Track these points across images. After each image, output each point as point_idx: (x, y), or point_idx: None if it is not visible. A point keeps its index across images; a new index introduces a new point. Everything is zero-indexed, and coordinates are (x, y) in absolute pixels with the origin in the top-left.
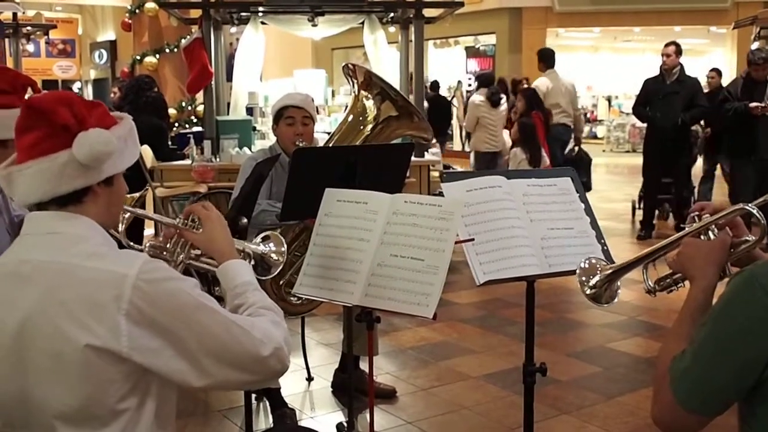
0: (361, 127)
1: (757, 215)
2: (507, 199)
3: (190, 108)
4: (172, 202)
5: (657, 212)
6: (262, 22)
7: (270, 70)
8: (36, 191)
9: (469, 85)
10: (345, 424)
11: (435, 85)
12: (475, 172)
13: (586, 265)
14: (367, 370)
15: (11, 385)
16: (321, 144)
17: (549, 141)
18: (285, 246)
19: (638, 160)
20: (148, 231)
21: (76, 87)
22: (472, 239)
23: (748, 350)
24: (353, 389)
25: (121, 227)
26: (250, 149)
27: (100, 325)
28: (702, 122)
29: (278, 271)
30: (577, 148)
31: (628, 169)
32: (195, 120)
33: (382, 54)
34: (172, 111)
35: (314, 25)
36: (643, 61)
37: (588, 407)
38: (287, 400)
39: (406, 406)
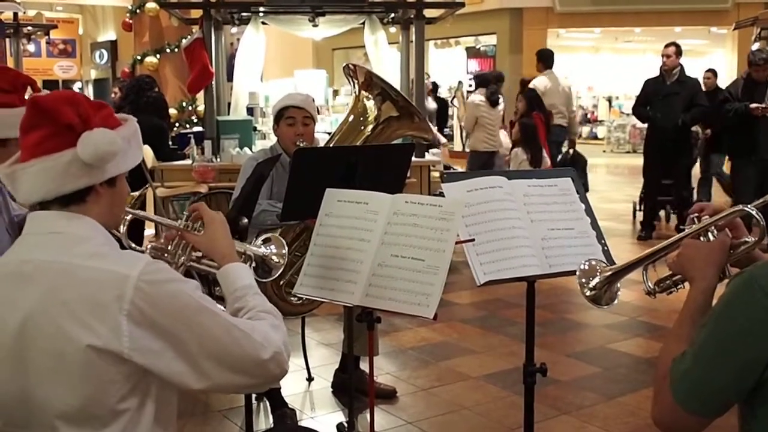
0: (362, 128)
1: (757, 216)
2: (508, 200)
3: (190, 108)
4: (173, 202)
5: (663, 213)
6: (263, 23)
7: (271, 70)
8: (39, 190)
9: (470, 85)
10: (345, 425)
11: (434, 87)
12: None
13: (586, 267)
14: (367, 371)
15: (12, 385)
16: (322, 144)
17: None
18: (286, 248)
19: (639, 160)
20: (149, 231)
21: (76, 87)
22: (473, 239)
23: (747, 351)
24: (353, 389)
25: (122, 228)
26: (250, 149)
27: (102, 326)
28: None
29: (278, 273)
30: (572, 150)
31: (629, 169)
32: (195, 120)
33: (383, 54)
34: (172, 111)
35: (315, 26)
36: (643, 62)
37: (588, 408)
38: (287, 400)
39: (407, 407)
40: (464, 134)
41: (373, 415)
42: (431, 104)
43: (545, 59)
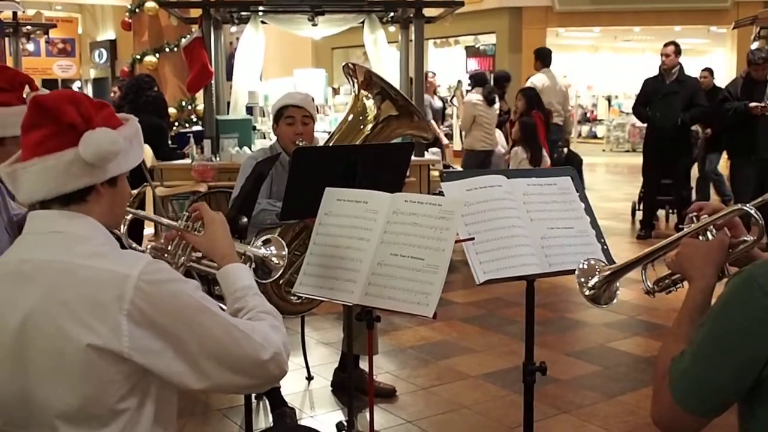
0: (362, 127)
1: (755, 216)
2: (507, 199)
3: (190, 107)
4: (172, 201)
5: (662, 213)
6: (263, 22)
7: (270, 69)
8: (40, 189)
9: (469, 84)
10: (345, 423)
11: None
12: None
13: (585, 266)
14: (366, 369)
15: (12, 385)
16: (321, 143)
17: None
18: (286, 250)
19: (638, 159)
20: (148, 231)
21: (75, 86)
22: (472, 238)
23: (746, 350)
24: (353, 388)
25: (123, 228)
26: (250, 148)
27: (102, 325)
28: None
29: (278, 274)
30: (566, 150)
31: (628, 168)
32: (195, 119)
33: (382, 53)
34: (172, 110)
35: (314, 25)
36: (643, 61)
37: (588, 406)
38: (287, 399)
39: (406, 405)
40: (464, 133)
41: (373, 414)
42: (437, 103)
43: (543, 58)
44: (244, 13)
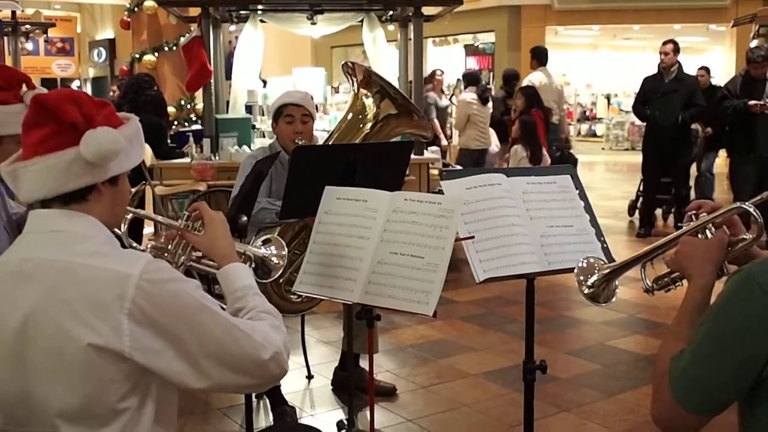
0: (361, 125)
1: (754, 214)
2: (507, 197)
3: (189, 106)
4: (172, 200)
5: (659, 212)
6: (262, 20)
7: (269, 68)
8: (41, 188)
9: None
10: (345, 422)
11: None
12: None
13: (584, 265)
14: (367, 368)
15: (13, 384)
16: (320, 142)
17: None
18: (286, 249)
19: (637, 158)
20: (148, 230)
21: (74, 85)
22: (472, 237)
23: (746, 349)
24: (353, 387)
25: (123, 227)
26: (249, 147)
27: (103, 325)
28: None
29: (278, 274)
30: (559, 154)
31: (627, 167)
32: (194, 118)
33: (382, 52)
34: (171, 109)
35: (313, 24)
36: (642, 59)
37: (588, 405)
38: (287, 398)
39: (406, 404)
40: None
41: (373, 412)
42: (444, 102)
43: (539, 56)
44: (243, 12)
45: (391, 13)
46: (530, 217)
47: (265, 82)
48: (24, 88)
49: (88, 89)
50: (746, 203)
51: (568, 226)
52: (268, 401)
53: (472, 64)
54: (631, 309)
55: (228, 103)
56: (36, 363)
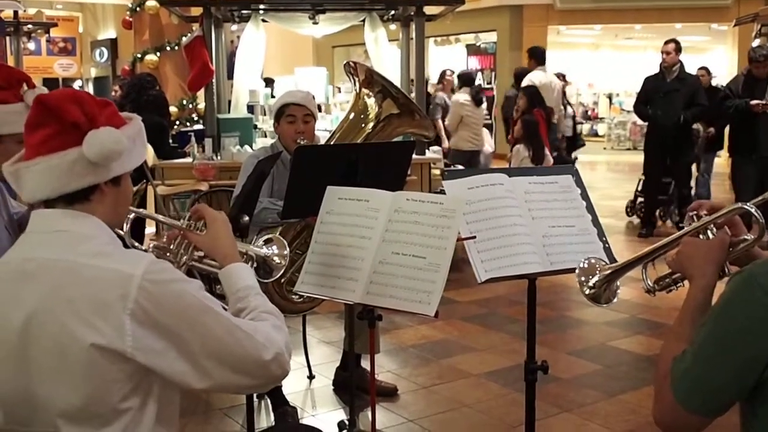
0: (363, 125)
1: (756, 214)
2: (508, 197)
3: (191, 106)
4: (174, 200)
5: (659, 211)
6: (263, 20)
7: (271, 67)
8: (44, 188)
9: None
10: (346, 422)
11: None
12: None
13: (585, 265)
14: (368, 368)
15: (15, 383)
16: (322, 142)
17: None
18: (287, 249)
19: (639, 157)
20: (149, 230)
21: (76, 85)
22: (474, 237)
23: (747, 349)
24: (355, 387)
25: (125, 227)
26: (251, 147)
27: (106, 325)
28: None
29: (280, 274)
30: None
31: (629, 166)
32: (196, 118)
33: (383, 52)
34: (173, 109)
35: (315, 23)
36: (644, 59)
37: (589, 405)
38: (289, 398)
39: (408, 404)
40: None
41: (375, 412)
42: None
43: (537, 56)
44: (245, 12)
45: (392, 12)
46: (532, 217)
47: (272, 81)
48: (24, 87)
49: (90, 89)
50: (748, 204)
51: (569, 226)
52: (269, 401)
53: (474, 63)
54: (632, 309)
55: (230, 102)
56: (38, 362)
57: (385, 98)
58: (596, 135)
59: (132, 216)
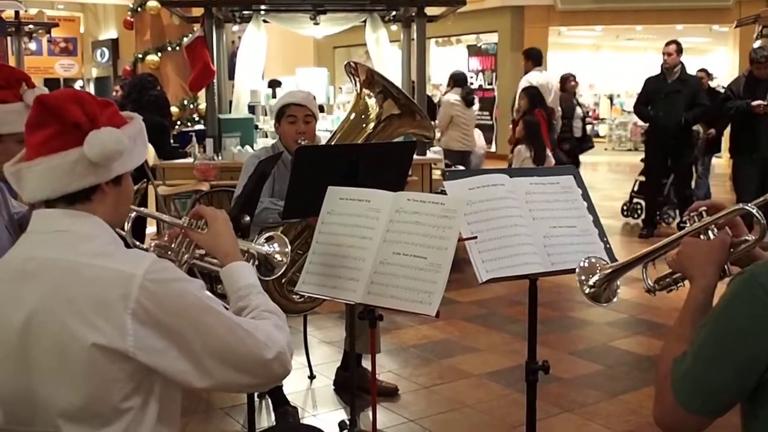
0: (364, 126)
1: (757, 215)
2: (509, 198)
3: (192, 106)
4: (174, 200)
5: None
6: (265, 21)
7: (272, 68)
8: (45, 188)
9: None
10: (347, 422)
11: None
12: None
13: (586, 264)
14: (369, 368)
15: (15, 383)
16: (323, 142)
17: None
18: (289, 247)
19: (640, 158)
20: (150, 229)
21: (77, 85)
22: (475, 237)
23: (747, 350)
24: (355, 387)
25: (126, 226)
26: (252, 147)
27: (107, 324)
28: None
29: (281, 271)
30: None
31: (630, 167)
32: (197, 118)
33: (384, 52)
34: (174, 109)
35: (316, 24)
36: (645, 60)
37: (590, 405)
38: (289, 398)
39: (409, 404)
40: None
41: (375, 412)
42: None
43: (534, 57)
44: (246, 12)
45: (394, 13)
46: (533, 217)
47: (279, 83)
48: (24, 86)
49: (91, 89)
50: (749, 204)
51: (571, 227)
52: (270, 401)
53: (475, 64)
54: (633, 310)
55: (231, 103)
56: (39, 362)
57: (386, 99)
58: (597, 136)
59: (133, 215)
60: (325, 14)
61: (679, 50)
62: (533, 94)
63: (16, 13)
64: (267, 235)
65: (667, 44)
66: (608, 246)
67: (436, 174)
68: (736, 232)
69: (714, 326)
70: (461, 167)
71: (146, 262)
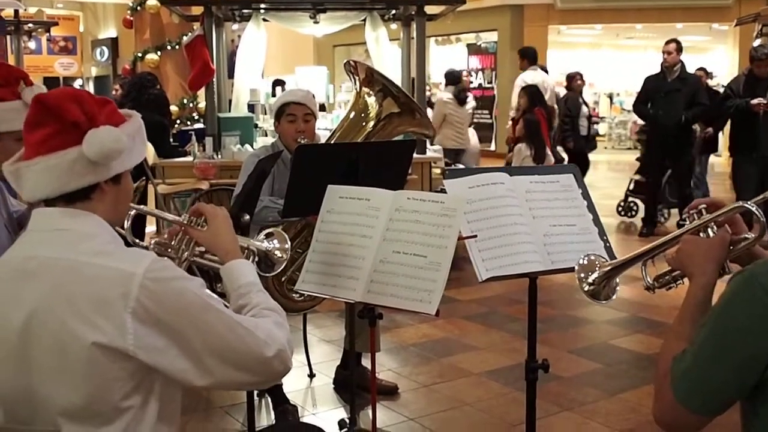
0: (363, 124)
1: (757, 213)
2: (509, 196)
3: (191, 105)
4: (174, 199)
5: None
6: (264, 19)
7: (272, 67)
8: (44, 188)
9: (470, 82)
10: (347, 421)
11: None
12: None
13: (585, 262)
14: (369, 367)
15: (16, 382)
16: (323, 141)
17: None
18: (289, 243)
19: (636, 157)
20: (150, 228)
21: (77, 84)
22: (475, 236)
23: (747, 349)
24: (355, 386)
25: (126, 224)
26: (251, 146)
27: (107, 323)
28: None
29: (281, 268)
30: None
31: (629, 166)
32: (197, 117)
33: (384, 51)
34: (173, 108)
35: (316, 22)
36: (644, 58)
37: (590, 404)
38: (289, 396)
39: (408, 403)
40: None
41: (375, 411)
42: (471, 102)
43: (529, 56)
44: (245, 11)
45: (393, 12)
46: (533, 216)
47: (283, 83)
48: (22, 84)
49: (90, 88)
50: (748, 202)
51: (570, 225)
52: (269, 400)
53: (475, 63)
54: (632, 308)
55: (230, 101)
56: (39, 361)
57: (386, 97)
58: (597, 134)
59: (133, 213)
60: (325, 13)
61: (679, 49)
62: (533, 92)
63: (16, 11)
64: (267, 231)
65: (667, 43)
66: (608, 244)
67: (436, 172)
68: (736, 230)
69: (714, 325)
70: (461, 166)
71: (146, 261)
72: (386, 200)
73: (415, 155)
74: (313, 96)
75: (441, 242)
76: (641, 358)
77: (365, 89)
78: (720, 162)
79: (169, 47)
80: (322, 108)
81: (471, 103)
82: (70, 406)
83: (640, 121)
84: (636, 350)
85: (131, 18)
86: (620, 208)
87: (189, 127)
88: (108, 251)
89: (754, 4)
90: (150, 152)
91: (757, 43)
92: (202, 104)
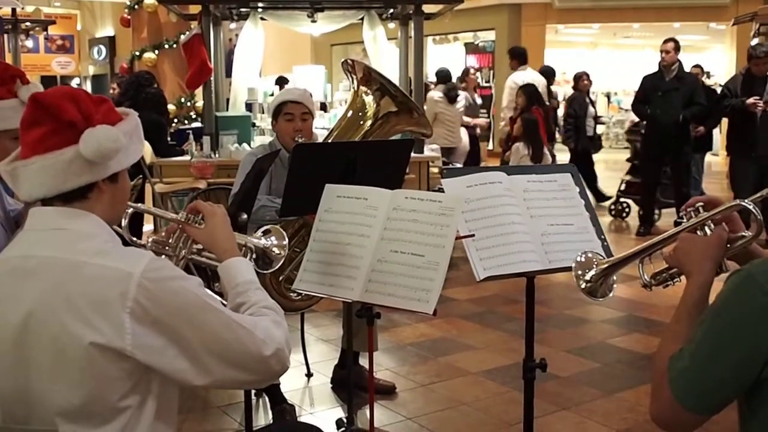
0: (361, 123)
1: (754, 211)
2: (507, 195)
3: (189, 104)
4: (172, 198)
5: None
6: (262, 18)
7: (269, 66)
8: (41, 187)
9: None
10: (344, 420)
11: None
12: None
13: (582, 259)
14: (366, 366)
15: (13, 381)
16: (320, 140)
17: None
18: (286, 239)
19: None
20: (147, 227)
21: (74, 83)
22: (473, 235)
23: (744, 348)
24: (353, 385)
25: (123, 222)
26: (249, 145)
27: (105, 323)
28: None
29: (279, 264)
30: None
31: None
32: (194, 116)
33: (382, 50)
34: (171, 107)
35: (313, 21)
36: (642, 58)
37: (587, 403)
38: (287, 396)
39: (406, 402)
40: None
41: (373, 410)
42: (478, 101)
43: (519, 56)
44: (243, 10)
45: (391, 11)
46: (531, 215)
47: (286, 80)
48: (18, 83)
49: (88, 87)
50: (746, 200)
51: (568, 225)
52: (267, 399)
53: (473, 62)
54: (630, 307)
55: (228, 100)
56: (37, 361)
57: (383, 96)
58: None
59: (130, 211)
60: (323, 12)
61: (677, 48)
62: (531, 91)
63: (13, 10)
64: (264, 228)
65: (665, 42)
66: (606, 244)
67: (434, 172)
68: (733, 228)
69: (711, 324)
70: (458, 165)
71: (144, 261)
72: (384, 199)
73: (412, 154)
74: (311, 95)
75: (439, 241)
76: (639, 357)
77: (363, 88)
78: (717, 161)
79: (166, 46)
80: (324, 108)
81: (462, 101)
82: (67, 405)
83: (636, 120)
84: (633, 349)
85: (129, 17)
86: (612, 210)
87: (186, 126)
88: (106, 251)
89: (752, 4)
90: (147, 151)
91: (754, 42)
92: (199, 103)
